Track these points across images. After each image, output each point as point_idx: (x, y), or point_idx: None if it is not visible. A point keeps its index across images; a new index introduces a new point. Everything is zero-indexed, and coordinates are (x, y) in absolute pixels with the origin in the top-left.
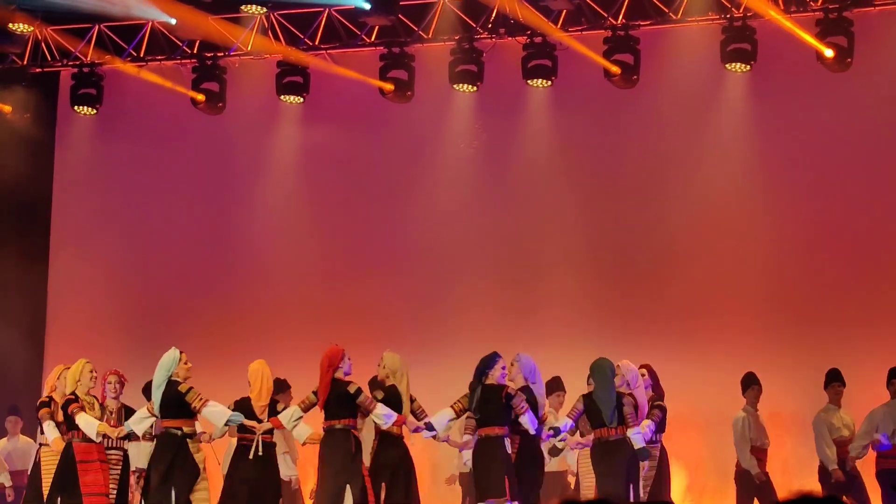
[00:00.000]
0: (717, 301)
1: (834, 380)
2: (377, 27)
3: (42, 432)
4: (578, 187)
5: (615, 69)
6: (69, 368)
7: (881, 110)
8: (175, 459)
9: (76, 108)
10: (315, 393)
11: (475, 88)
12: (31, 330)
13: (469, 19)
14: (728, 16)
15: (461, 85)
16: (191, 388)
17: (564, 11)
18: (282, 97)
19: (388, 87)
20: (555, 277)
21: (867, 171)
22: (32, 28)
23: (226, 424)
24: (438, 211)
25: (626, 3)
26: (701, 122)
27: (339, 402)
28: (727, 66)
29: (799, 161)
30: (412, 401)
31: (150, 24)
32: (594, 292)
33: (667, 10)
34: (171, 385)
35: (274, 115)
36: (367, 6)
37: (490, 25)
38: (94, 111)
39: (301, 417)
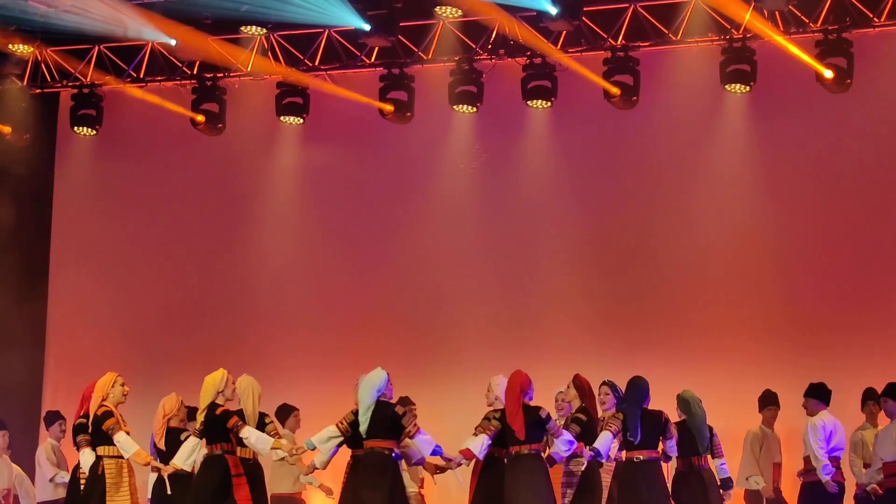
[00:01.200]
0: (715, 314)
1: (869, 398)
2: (377, 48)
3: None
4: (578, 207)
5: (615, 90)
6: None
7: (881, 131)
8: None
9: (76, 128)
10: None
11: (475, 109)
12: (32, 349)
13: (469, 40)
14: (727, 37)
15: (461, 106)
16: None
17: (564, 32)
18: (282, 118)
19: (388, 107)
20: (555, 295)
21: (867, 190)
22: (32, 49)
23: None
24: (438, 231)
25: (625, 25)
26: (700, 143)
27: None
28: (727, 87)
29: (799, 180)
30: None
31: (149, 45)
32: (595, 309)
33: (666, 32)
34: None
35: (274, 136)
36: (367, 27)
37: (490, 46)
38: (94, 132)
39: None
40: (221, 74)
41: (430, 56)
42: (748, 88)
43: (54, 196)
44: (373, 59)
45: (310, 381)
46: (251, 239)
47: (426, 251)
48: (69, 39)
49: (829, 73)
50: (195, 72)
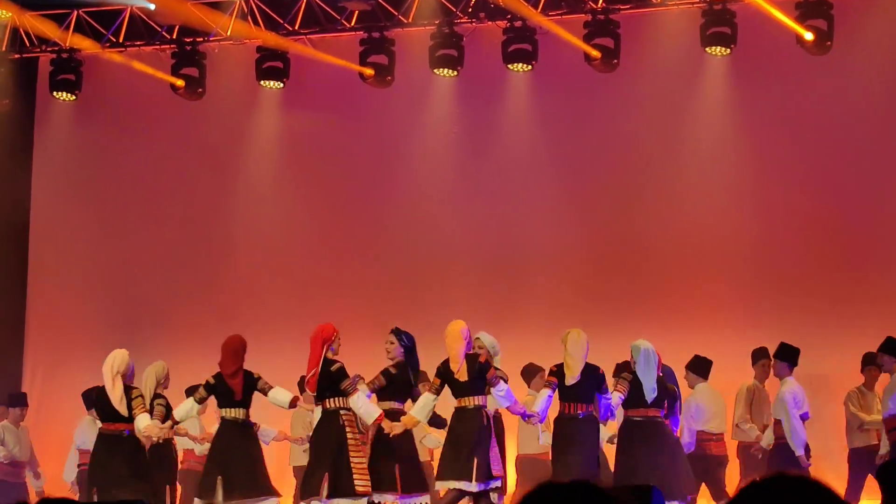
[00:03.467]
0: (695, 274)
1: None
2: (357, 12)
3: None
4: (559, 170)
5: (595, 53)
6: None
7: (860, 93)
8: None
9: (55, 93)
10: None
11: (455, 73)
12: (12, 311)
13: (449, 4)
14: None
15: (441, 69)
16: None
17: None
18: (262, 82)
19: (369, 71)
20: (537, 257)
21: (846, 151)
22: (10, 14)
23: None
24: (419, 194)
25: None
26: (681, 106)
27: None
28: (707, 49)
29: (779, 142)
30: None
31: (128, 9)
32: (577, 272)
33: None
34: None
35: (254, 101)
36: None
37: (470, 10)
38: (74, 97)
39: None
40: (201, 39)
41: (410, 20)
42: (728, 51)
43: (34, 161)
44: (353, 23)
45: (291, 347)
46: (232, 203)
47: (407, 214)
48: (48, 4)
49: (809, 36)
50: (174, 36)
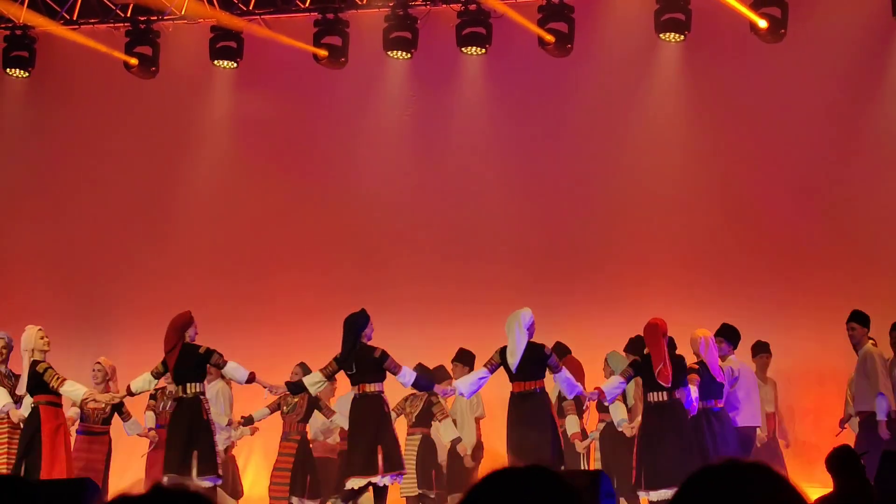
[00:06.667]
0: (647, 257)
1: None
2: None
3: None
4: (512, 153)
5: (549, 38)
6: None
7: (813, 81)
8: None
9: (8, 70)
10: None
11: (409, 55)
12: None
13: None
14: None
15: (395, 52)
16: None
17: None
18: (215, 62)
19: (322, 53)
20: (491, 240)
21: (799, 138)
22: None
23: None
24: (372, 176)
25: None
26: (634, 91)
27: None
28: (661, 35)
29: (731, 129)
30: None
31: None
32: (530, 254)
33: None
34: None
35: (207, 80)
36: None
37: None
38: (27, 74)
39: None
40: (155, 17)
41: (364, 1)
42: (682, 37)
43: None
44: (307, 4)
45: (247, 328)
46: (185, 182)
47: (360, 196)
48: None
49: (763, 23)
50: (129, 14)
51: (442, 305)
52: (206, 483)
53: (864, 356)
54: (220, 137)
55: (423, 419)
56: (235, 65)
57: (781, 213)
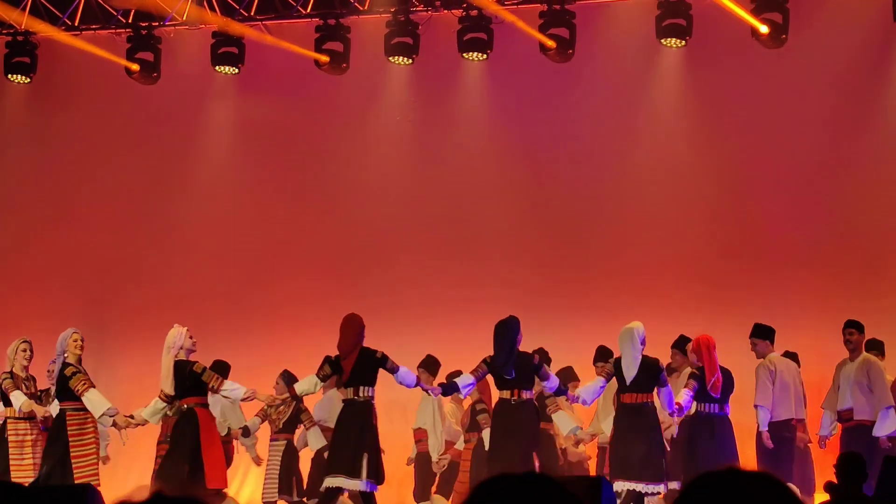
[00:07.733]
0: (655, 265)
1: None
2: None
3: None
4: (513, 159)
5: (550, 43)
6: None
7: (814, 86)
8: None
9: (10, 76)
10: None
11: (410, 61)
12: None
13: None
14: None
15: (396, 57)
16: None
17: None
18: (217, 68)
19: (324, 58)
20: (492, 247)
21: (800, 143)
22: None
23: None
24: (373, 181)
25: None
26: (635, 97)
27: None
28: (662, 41)
29: (732, 135)
30: None
31: None
32: (532, 261)
33: None
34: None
35: (209, 86)
36: None
37: None
38: (29, 80)
39: None
40: (157, 23)
41: (366, 7)
42: (683, 43)
43: None
44: (308, 10)
45: (245, 333)
46: (186, 186)
47: (361, 201)
48: None
49: (764, 29)
50: (130, 20)
51: (444, 309)
52: (366, 488)
53: (866, 365)
54: (222, 143)
55: (290, 426)
56: (237, 70)
57: (782, 219)
